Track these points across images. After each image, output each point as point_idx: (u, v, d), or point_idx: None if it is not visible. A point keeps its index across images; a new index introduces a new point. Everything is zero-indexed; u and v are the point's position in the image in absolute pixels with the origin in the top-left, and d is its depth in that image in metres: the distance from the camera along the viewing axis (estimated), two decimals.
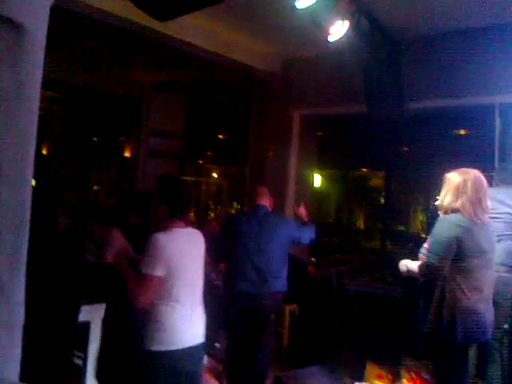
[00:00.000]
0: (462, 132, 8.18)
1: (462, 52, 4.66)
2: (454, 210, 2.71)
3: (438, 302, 2.64)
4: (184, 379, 2.37)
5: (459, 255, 2.62)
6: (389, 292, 5.26)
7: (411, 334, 4.24)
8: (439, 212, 2.84)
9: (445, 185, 2.79)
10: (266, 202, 3.74)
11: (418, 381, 4.15)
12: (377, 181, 14.68)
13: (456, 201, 2.70)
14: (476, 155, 5.53)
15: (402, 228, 12.50)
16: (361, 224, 15.41)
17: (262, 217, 3.65)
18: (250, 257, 3.49)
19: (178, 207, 2.42)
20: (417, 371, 4.24)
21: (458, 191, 2.70)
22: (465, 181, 2.71)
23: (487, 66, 4.51)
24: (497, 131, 4.53)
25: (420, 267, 2.75)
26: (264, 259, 3.52)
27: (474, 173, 2.75)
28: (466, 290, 2.62)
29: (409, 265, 2.93)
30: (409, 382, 4.14)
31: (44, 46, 1.46)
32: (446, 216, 2.74)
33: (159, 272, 2.26)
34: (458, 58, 4.68)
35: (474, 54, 4.57)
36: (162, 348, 2.27)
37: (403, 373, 4.29)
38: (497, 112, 4.54)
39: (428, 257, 2.67)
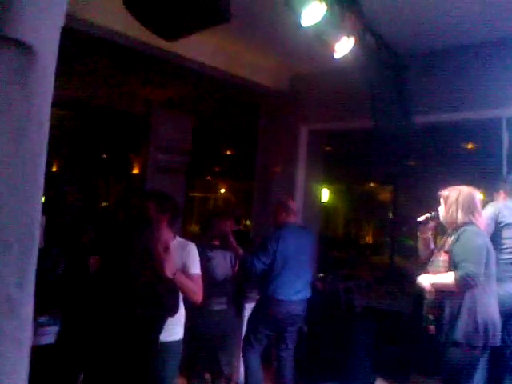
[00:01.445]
0: (470, 146, 8.17)
1: (467, 66, 4.68)
2: (467, 224, 2.86)
3: (470, 309, 2.68)
4: None
5: (486, 262, 2.75)
6: (397, 307, 5.22)
7: (420, 351, 4.21)
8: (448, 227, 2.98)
9: (448, 201, 2.92)
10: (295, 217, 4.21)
11: None
12: (385, 195, 14.65)
13: (469, 215, 2.86)
14: (483, 169, 5.51)
15: (411, 242, 12.43)
16: (369, 238, 15.35)
17: (297, 231, 4.12)
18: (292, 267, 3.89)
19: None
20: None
21: (469, 207, 2.87)
22: (472, 197, 2.92)
23: (493, 79, 4.52)
24: (504, 145, 4.52)
25: (458, 278, 2.70)
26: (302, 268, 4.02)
27: (472, 189, 2.99)
28: (491, 296, 2.75)
29: (436, 279, 2.87)
30: None
31: (54, 68, 1.50)
32: (469, 227, 2.84)
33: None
34: (464, 71, 4.70)
35: (479, 67, 4.59)
36: None
37: None
38: (504, 125, 4.53)
39: (464, 267, 2.67)
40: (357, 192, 14.56)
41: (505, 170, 4.48)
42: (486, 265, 2.74)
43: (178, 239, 2.80)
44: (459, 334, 2.67)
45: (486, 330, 2.66)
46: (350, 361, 4.42)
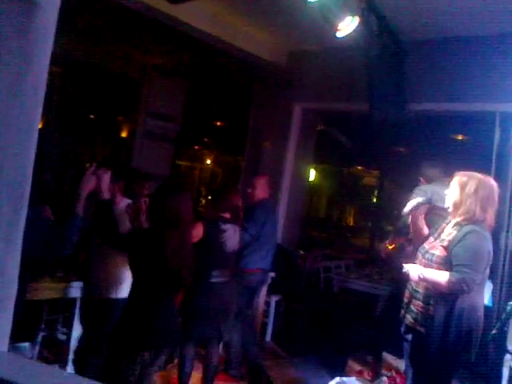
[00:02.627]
0: (460, 137, 8.22)
1: (466, 58, 4.66)
2: (477, 222, 2.61)
3: (466, 312, 2.59)
4: None
5: (485, 267, 2.63)
6: (374, 290, 5.31)
7: (394, 332, 4.30)
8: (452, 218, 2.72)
9: (466, 190, 2.62)
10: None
11: (398, 379, 4.20)
12: (370, 179, 14.75)
13: (485, 213, 2.61)
14: (472, 162, 5.55)
15: (390, 228, 12.58)
16: (351, 221, 15.51)
17: (272, 205, 4.67)
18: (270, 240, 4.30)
19: None
20: (397, 369, 4.30)
21: (488, 202, 2.62)
22: (492, 190, 2.66)
23: (491, 73, 4.51)
24: (496, 140, 4.55)
25: (453, 281, 2.52)
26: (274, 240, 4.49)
27: (491, 179, 2.73)
28: (481, 300, 2.68)
29: (427, 274, 2.65)
30: (389, 379, 4.20)
31: (55, 22, 1.45)
32: (478, 228, 2.60)
33: None
34: (462, 63, 4.69)
35: (478, 60, 4.58)
36: None
37: (383, 370, 4.35)
38: (497, 120, 4.55)
39: (464, 272, 2.50)
40: (343, 174, 14.62)
41: (494, 164, 4.52)
42: (485, 269, 2.59)
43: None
44: (452, 339, 2.56)
45: (473, 338, 2.58)
46: (325, 338, 4.51)
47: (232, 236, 3.52)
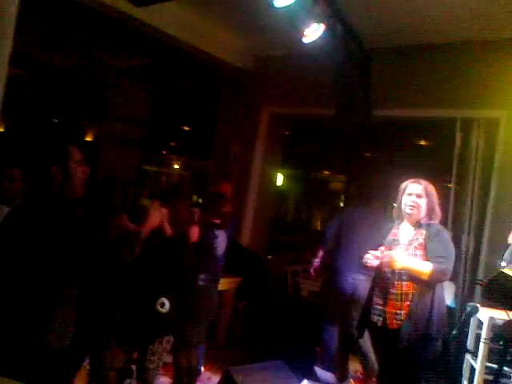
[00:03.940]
0: (423, 142, 8.43)
1: (428, 65, 4.80)
2: (434, 221, 2.94)
3: (439, 304, 2.77)
4: None
5: None
6: None
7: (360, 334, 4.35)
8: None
9: (431, 195, 2.91)
10: None
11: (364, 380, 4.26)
12: (336, 184, 14.94)
13: (440, 214, 2.96)
14: (435, 166, 5.70)
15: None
16: (318, 225, 15.64)
17: None
18: None
19: None
20: (363, 372, 4.35)
21: (439, 204, 2.96)
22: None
23: (452, 80, 4.65)
24: (457, 145, 4.67)
25: (437, 270, 2.71)
26: None
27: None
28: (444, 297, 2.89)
29: (409, 263, 2.79)
30: (355, 381, 4.25)
31: (14, 21, 1.41)
32: (440, 226, 2.93)
33: None
34: (425, 70, 4.82)
35: (440, 68, 4.72)
36: None
37: (351, 372, 4.40)
38: (458, 126, 4.68)
39: (444, 262, 2.73)
40: (310, 179, 14.76)
41: (455, 169, 4.64)
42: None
43: None
44: (433, 328, 2.68)
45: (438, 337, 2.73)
46: (293, 342, 4.51)
47: (222, 241, 3.65)
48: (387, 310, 2.82)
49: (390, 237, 3.00)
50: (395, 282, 2.82)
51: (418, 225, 2.90)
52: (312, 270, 4.64)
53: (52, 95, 8.77)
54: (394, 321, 2.78)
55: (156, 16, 4.63)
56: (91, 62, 7.31)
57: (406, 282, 2.79)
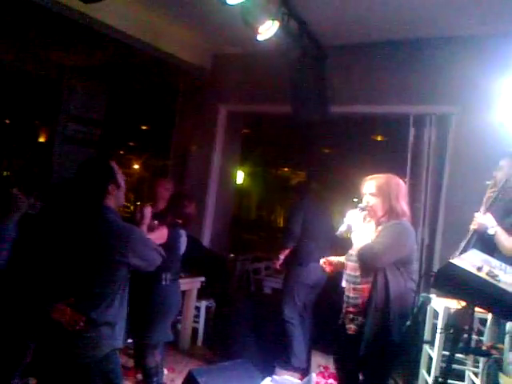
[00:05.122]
0: (379, 138, 8.61)
1: (382, 62, 4.89)
2: (397, 218, 2.75)
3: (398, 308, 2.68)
4: None
5: (409, 259, 2.77)
6: None
7: (322, 330, 4.41)
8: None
9: (385, 192, 2.72)
10: None
11: (327, 374, 4.31)
12: (298, 180, 15.06)
13: (404, 209, 2.75)
14: (391, 161, 5.82)
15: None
16: (281, 222, 15.75)
17: None
18: None
19: None
20: (326, 366, 4.41)
21: (403, 199, 2.77)
22: (403, 186, 2.84)
23: (405, 77, 4.77)
24: (410, 140, 4.80)
25: (363, 248, 2.68)
26: None
27: (396, 177, 2.87)
28: (407, 291, 2.73)
29: (355, 234, 2.78)
30: (318, 375, 4.29)
31: None
32: (399, 221, 2.73)
33: None
34: (379, 67, 4.91)
35: (394, 65, 4.82)
36: None
37: (313, 367, 4.44)
38: (411, 122, 4.80)
39: (376, 247, 2.65)
40: (271, 176, 14.84)
41: (409, 164, 4.76)
42: (410, 261, 2.69)
43: None
44: (396, 333, 2.57)
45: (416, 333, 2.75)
46: (257, 341, 4.52)
47: (184, 241, 3.71)
48: (345, 314, 2.81)
49: None
50: (350, 286, 2.78)
51: (378, 224, 2.77)
52: (279, 264, 4.67)
53: (4, 95, 8.46)
54: (351, 325, 2.75)
55: (110, 14, 4.54)
56: (43, 61, 7.09)
57: (359, 286, 2.74)
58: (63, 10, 4.33)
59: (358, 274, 2.75)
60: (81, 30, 5.11)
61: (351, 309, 2.76)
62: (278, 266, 4.70)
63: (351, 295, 2.77)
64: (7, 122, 9.85)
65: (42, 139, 9.63)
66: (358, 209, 2.78)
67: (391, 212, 2.70)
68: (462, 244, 3.20)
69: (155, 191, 3.91)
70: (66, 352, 2.10)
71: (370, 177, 2.81)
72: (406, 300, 2.62)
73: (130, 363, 4.08)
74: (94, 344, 2.09)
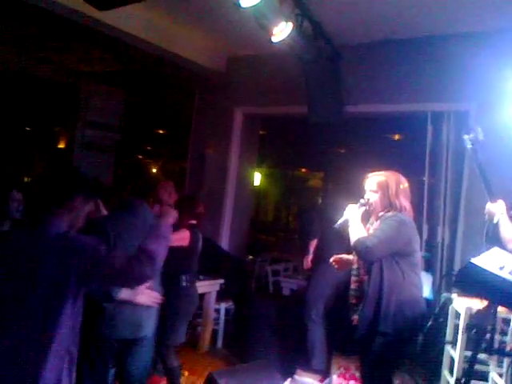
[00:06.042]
0: (397, 137, 8.53)
1: (399, 60, 4.85)
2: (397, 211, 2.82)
3: (396, 299, 2.68)
4: None
5: (410, 251, 2.79)
6: None
7: (342, 332, 4.38)
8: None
9: (388, 189, 2.78)
10: None
11: (348, 376, 4.28)
12: (315, 181, 15.02)
13: (405, 205, 2.81)
14: (408, 160, 5.77)
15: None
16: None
17: None
18: None
19: None
20: (347, 367, 4.38)
21: (405, 197, 2.82)
22: (406, 185, 2.87)
23: (421, 75, 4.71)
24: (428, 139, 4.75)
25: (358, 241, 2.70)
26: None
27: (400, 175, 2.91)
28: (414, 285, 2.76)
29: (351, 225, 2.80)
30: (338, 377, 4.27)
31: None
32: (397, 214, 2.77)
33: None
34: (395, 65, 4.87)
35: (410, 62, 4.77)
36: None
37: (333, 368, 4.42)
38: (429, 120, 4.75)
39: (371, 240, 2.68)
40: (288, 177, 14.82)
41: (427, 162, 4.71)
42: (408, 253, 2.70)
43: None
44: (386, 325, 2.60)
45: (414, 322, 2.64)
46: (277, 342, 4.51)
47: (200, 242, 3.74)
48: (349, 306, 2.87)
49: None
50: (353, 278, 2.85)
51: (377, 219, 2.83)
52: (310, 260, 4.67)
53: (24, 103, 8.62)
54: (355, 316, 2.80)
55: (126, 20, 4.59)
56: (62, 68, 7.21)
57: (359, 278, 2.81)
58: (80, 18, 4.39)
59: (357, 266, 2.86)
60: (97, 37, 5.19)
61: (354, 300, 2.85)
62: (309, 262, 4.70)
63: (353, 287, 2.88)
64: (27, 129, 10.03)
65: (61, 145, 9.78)
66: (358, 204, 2.84)
67: (390, 207, 2.78)
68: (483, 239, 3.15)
69: (158, 194, 3.95)
70: None
71: (371, 174, 2.89)
72: (404, 293, 2.64)
73: None
74: None
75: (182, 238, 3.51)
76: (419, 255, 2.79)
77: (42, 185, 2.00)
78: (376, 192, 2.81)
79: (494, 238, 2.54)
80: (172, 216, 2.10)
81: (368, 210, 2.84)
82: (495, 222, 2.65)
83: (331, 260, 3.10)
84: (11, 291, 1.74)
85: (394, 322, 2.59)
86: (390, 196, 2.76)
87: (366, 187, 2.87)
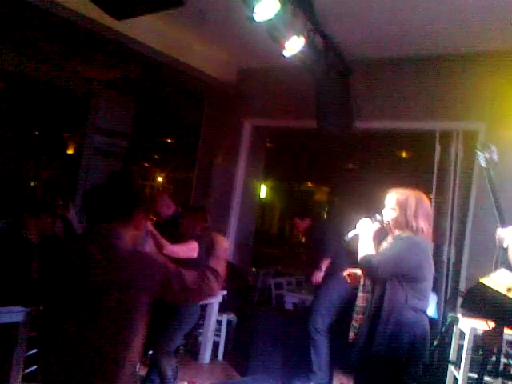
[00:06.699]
0: (404, 154, 8.53)
1: (408, 77, 4.86)
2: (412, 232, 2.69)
3: (394, 319, 2.58)
4: None
5: (415, 277, 2.65)
6: None
7: (344, 348, 4.34)
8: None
9: (406, 208, 2.66)
10: None
11: None
12: (321, 195, 15.01)
13: (422, 226, 2.68)
14: (416, 177, 5.76)
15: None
16: (303, 237, 15.65)
17: None
18: None
19: None
20: (347, 383, 4.34)
21: (425, 217, 2.69)
22: (428, 205, 2.76)
23: (430, 93, 4.72)
24: (436, 157, 4.74)
25: (364, 260, 2.65)
26: None
27: (422, 194, 2.79)
28: (418, 310, 2.64)
29: (363, 240, 2.73)
30: None
31: None
32: (409, 234, 2.67)
33: None
34: (404, 82, 4.88)
35: (419, 80, 4.78)
36: None
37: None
38: (437, 138, 4.75)
39: (377, 259, 2.62)
40: (294, 190, 14.82)
41: (435, 180, 4.70)
42: (415, 278, 2.55)
43: None
44: (380, 346, 2.50)
45: (413, 346, 2.49)
46: (278, 356, 4.47)
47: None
48: (356, 325, 2.81)
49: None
50: (359, 294, 2.81)
51: (393, 237, 2.72)
52: (319, 276, 4.59)
53: (33, 108, 8.70)
54: (352, 333, 2.74)
55: (138, 29, 4.63)
56: (72, 75, 7.27)
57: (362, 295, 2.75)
58: (91, 25, 4.43)
59: (363, 283, 2.79)
60: (107, 45, 5.24)
61: (357, 316, 2.79)
62: (318, 279, 4.59)
63: (358, 303, 2.81)
64: (37, 133, 10.10)
65: (70, 151, 9.84)
66: (373, 219, 2.75)
67: (406, 227, 2.63)
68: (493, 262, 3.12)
69: (156, 207, 3.96)
70: None
71: (392, 189, 2.76)
72: (403, 316, 2.51)
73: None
74: None
75: (192, 249, 3.49)
76: (430, 283, 2.62)
77: (107, 199, 1.97)
78: (394, 210, 2.68)
79: (504, 264, 2.48)
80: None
81: (384, 226, 2.73)
82: (505, 246, 2.60)
83: (344, 274, 3.01)
84: (85, 299, 1.77)
85: (389, 344, 2.48)
86: (408, 216, 2.62)
87: (385, 203, 2.75)
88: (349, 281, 3.01)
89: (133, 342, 1.79)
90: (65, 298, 1.80)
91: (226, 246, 2.19)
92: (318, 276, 4.57)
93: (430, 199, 4.74)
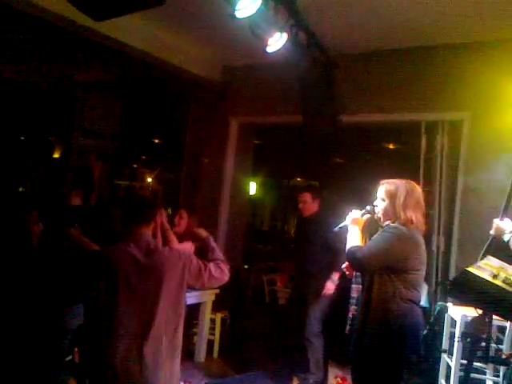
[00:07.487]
0: (391, 146, 8.57)
1: (392, 70, 4.89)
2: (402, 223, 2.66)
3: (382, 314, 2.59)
4: None
5: (403, 268, 2.64)
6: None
7: (339, 342, 4.37)
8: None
9: (395, 198, 2.63)
10: None
11: None
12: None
13: (413, 217, 2.64)
14: (403, 169, 5.80)
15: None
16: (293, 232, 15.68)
17: None
18: None
19: None
20: (343, 377, 4.37)
21: (415, 207, 2.65)
22: (419, 195, 2.72)
23: (415, 84, 4.76)
24: (422, 148, 4.78)
25: (350, 251, 2.63)
26: None
27: (415, 184, 2.77)
28: (408, 303, 2.62)
29: (350, 231, 2.72)
30: None
31: None
32: (397, 225, 2.64)
33: None
34: (389, 75, 4.91)
35: (404, 72, 4.81)
36: None
37: (330, 378, 4.40)
38: (423, 129, 4.79)
39: (362, 251, 2.59)
40: (284, 186, 14.82)
41: (421, 171, 4.74)
42: (403, 269, 2.51)
43: None
44: (372, 338, 2.50)
45: (404, 337, 2.49)
46: (273, 352, 4.50)
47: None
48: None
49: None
50: (353, 286, 2.82)
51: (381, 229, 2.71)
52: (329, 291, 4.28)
53: (18, 112, 8.61)
54: (348, 325, 2.78)
55: (121, 30, 4.61)
56: (57, 77, 7.22)
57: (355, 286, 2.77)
58: (76, 28, 4.41)
59: (355, 274, 2.84)
60: (93, 46, 5.20)
61: (351, 308, 2.80)
62: (331, 291, 4.20)
63: (353, 295, 2.82)
64: (22, 138, 10.00)
65: (56, 155, 9.77)
66: (363, 210, 2.74)
67: (395, 218, 2.61)
68: (482, 251, 3.13)
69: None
70: None
71: (384, 181, 2.74)
72: (392, 308, 2.50)
73: None
74: None
75: (188, 249, 3.49)
76: (421, 273, 2.58)
77: (133, 202, 2.44)
78: (384, 200, 2.66)
79: (501, 254, 2.47)
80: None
81: (375, 217, 2.72)
82: (506, 240, 2.56)
83: (343, 267, 2.97)
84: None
85: (380, 335, 2.49)
86: (396, 206, 2.59)
87: (377, 194, 2.73)
88: (347, 273, 3.00)
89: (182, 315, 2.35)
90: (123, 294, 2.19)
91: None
92: (331, 288, 4.27)
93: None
